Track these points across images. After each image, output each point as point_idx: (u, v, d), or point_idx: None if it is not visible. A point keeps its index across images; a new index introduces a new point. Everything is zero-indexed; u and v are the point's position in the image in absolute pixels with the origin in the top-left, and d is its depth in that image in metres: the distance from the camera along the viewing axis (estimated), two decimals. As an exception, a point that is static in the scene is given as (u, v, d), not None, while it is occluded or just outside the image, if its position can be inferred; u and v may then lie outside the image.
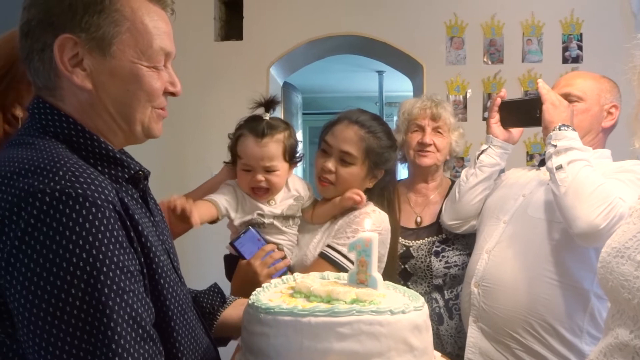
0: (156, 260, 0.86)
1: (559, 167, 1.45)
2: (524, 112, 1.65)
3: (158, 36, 0.89)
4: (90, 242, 0.74)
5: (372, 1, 3.18)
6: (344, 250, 1.48)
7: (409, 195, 1.98)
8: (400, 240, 1.86)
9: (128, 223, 0.81)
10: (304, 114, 6.28)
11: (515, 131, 1.76)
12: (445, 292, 1.87)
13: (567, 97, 1.63)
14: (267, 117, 1.55)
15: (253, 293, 0.98)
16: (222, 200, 1.55)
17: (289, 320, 0.86)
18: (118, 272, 0.76)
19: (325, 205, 1.61)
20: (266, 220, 1.56)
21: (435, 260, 1.85)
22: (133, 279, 0.78)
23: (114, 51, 0.85)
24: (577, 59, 3.07)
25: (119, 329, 0.74)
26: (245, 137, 1.53)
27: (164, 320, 0.86)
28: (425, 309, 0.93)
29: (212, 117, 3.23)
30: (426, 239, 1.89)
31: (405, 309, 0.88)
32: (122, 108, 0.89)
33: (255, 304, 0.91)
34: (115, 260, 0.76)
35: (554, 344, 1.54)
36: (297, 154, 1.61)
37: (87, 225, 0.74)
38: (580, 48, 3.06)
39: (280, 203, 1.59)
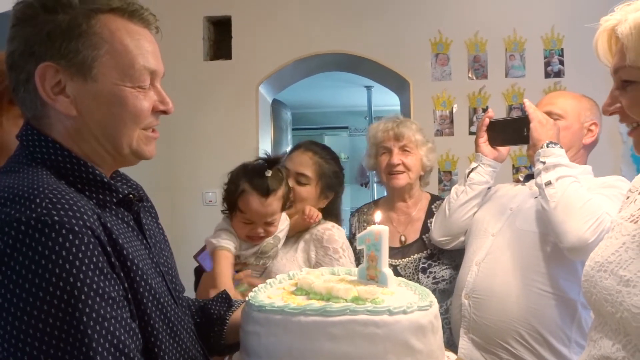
0: (142, 284, 0.84)
1: (548, 183, 1.50)
2: (511, 131, 1.69)
3: (140, 55, 0.87)
4: (67, 269, 0.73)
5: (358, 19, 3.25)
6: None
7: (391, 215, 2.01)
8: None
9: (109, 248, 0.79)
10: (293, 129, 6.33)
11: (503, 149, 1.80)
12: None
13: (549, 115, 1.68)
14: (269, 173, 1.59)
15: (254, 289, 0.94)
16: (231, 246, 1.62)
17: (279, 319, 0.81)
18: (98, 299, 0.74)
19: (294, 221, 1.76)
20: (242, 260, 1.67)
21: (423, 276, 1.87)
22: (115, 305, 0.77)
23: (95, 75, 0.85)
24: (559, 74, 3.15)
25: (98, 358, 0.72)
26: (249, 194, 1.57)
27: (155, 344, 0.85)
28: (434, 309, 0.86)
29: (203, 136, 3.26)
30: (412, 256, 1.92)
31: (408, 309, 0.80)
32: (108, 132, 0.88)
33: (250, 301, 0.87)
34: (95, 287, 0.75)
35: (543, 353, 1.57)
36: (288, 201, 1.72)
37: (64, 253, 0.73)
38: (562, 63, 3.15)
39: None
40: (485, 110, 3.07)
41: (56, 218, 0.74)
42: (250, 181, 1.58)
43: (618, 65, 0.95)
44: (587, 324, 1.55)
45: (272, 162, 1.62)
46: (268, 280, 1.00)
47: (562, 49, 3.15)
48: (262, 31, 3.29)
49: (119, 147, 0.89)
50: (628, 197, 1.09)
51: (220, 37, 3.41)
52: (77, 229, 0.75)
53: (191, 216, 3.20)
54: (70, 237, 0.74)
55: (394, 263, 1.90)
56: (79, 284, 0.73)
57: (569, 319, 1.57)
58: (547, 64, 3.17)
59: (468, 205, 1.80)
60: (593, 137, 1.72)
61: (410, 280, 1.83)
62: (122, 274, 0.81)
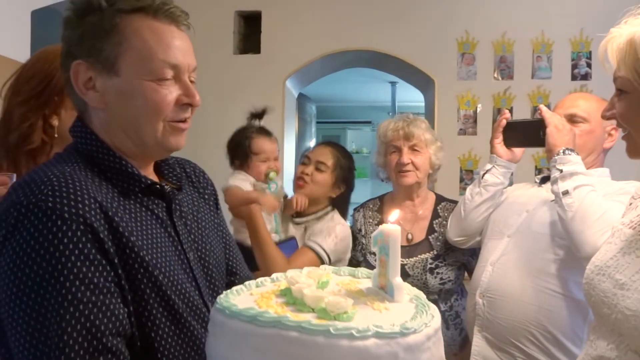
0: (142, 271, 0.87)
1: (566, 193, 1.51)
2: (527, 132, 1.71)
3: (162, 51, 0.93)
4: (51, 252, 0.79)
5: (386, 17, 3.29)
6: (319, 241, 1.88)
7: None
8: None
9: (104, 236, 0.83)
10: (317, 122, 6.40)
11: (518, 151, 1.82)
12: (440, 304, 1.92)
13: (573, 117, 1.69)
14: (261, 123, 2.06)
15: (229, 292, 0.83)
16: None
17: (219, 320, 0.74)
18: (78, 283, 0.79)
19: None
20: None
21: (430, 277, 1.92)
22: (97, 291, 0.81)
23: (118, 70, 0.92)
24: (586, 76, 3.14)
25: (66, 338, 0.77)
26: (258, 137, 2.03)
27: (154, 332, 0.88)
28: (412, 339, 0.69)
29: (231, 128, 3.32)
30: (419, 256, 1.95)
31: (359, 333, 0.66)
32: (133, 123, 0.94)
33: (218, 301, 0.78)
34: (76, 271, 0.80)
35: (555, 353, 1.61)
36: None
37: (50, 237, 0.79)
38: (589, 66, 3.14)
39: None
40: (510, 110, 3.08)
41: (50, 204, 0.81)
42: (255, 129, 2.04)
43: (615, 74, 1.00)
44: (599, 326, 1.59)
45: (259, 114, 2.06)
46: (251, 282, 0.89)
47: (590, 52, 3.13)
48: (291, 27, 3.35)
49: (143, 138, 0.95)
50: (631, 204, 1.12)
51: (250, 32, 3.48)
52: (67, 216, 0.81)
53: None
54: (59, 223, 0.80)
55: (402, 262, 1.93)
56: (59, 267, 0.79)
57: (580, 319, 1.60)
58: (574, 66, 3.16)
59: (483, 206, 1.82)
60: (613, 141, 1.73)
61: (418, 280, 1.91)
62: (116, 261, 0.85)
